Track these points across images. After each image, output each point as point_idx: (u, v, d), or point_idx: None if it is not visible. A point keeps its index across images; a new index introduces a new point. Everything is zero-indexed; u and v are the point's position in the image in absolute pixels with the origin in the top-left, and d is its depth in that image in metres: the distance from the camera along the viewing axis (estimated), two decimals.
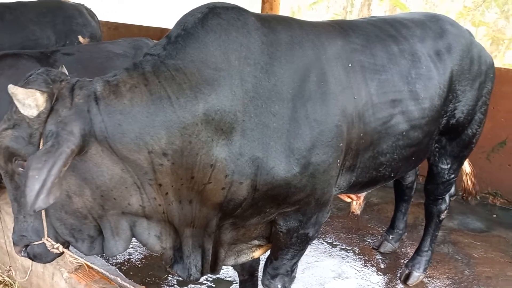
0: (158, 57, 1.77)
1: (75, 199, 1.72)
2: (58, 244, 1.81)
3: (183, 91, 1.70)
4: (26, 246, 1.85)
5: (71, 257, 1.87)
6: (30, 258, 1.89)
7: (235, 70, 1.78)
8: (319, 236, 3.91)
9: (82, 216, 1.78)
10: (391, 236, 3.74)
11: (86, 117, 1.60)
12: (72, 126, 1.58)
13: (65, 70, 1.96)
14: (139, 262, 3.39)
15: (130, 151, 1.65)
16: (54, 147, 1.52)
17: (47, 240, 1.79)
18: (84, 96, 1.64)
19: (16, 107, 1.60)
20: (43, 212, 1.76)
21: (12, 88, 1.54)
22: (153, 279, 3.17)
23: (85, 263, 1.94)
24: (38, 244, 1.82)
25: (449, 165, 2.91)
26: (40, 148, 1.58)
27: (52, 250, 1.82)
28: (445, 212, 3.22)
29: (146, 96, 1.67)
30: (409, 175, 3.49)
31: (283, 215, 2.09)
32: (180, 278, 3.16)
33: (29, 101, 1.56)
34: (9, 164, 1.69)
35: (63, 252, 1.88)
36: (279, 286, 2.33)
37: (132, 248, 3.55)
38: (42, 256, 1.90)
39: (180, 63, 1.75)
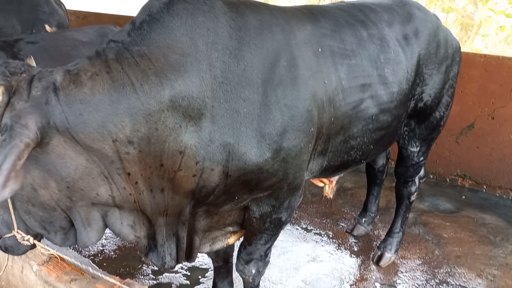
0: (122, 44, 1.72)
1: (40, 192, 1.68)
2: (29, 236, 1.80)
3: (148, 77, 1.66)
4: None
5: (43, 248, 1.84)
6: (2, 250, 1.88)
7: (202, 55, 1.75)
8: (293, 221, 3.96)
9: (50, 208, 1.74)
10: (363, 219, 3.81)
11: (43, 110, 1.56)
12: (27, 119, 1.52)
13: (32, 62, 1.90)
14: (112, 253, 3.35)
15: (94, 141, 1.61)
16: (6, 141, 1.47)
17: (17, 232, 1.78)
18: (42, 88, 1.59)
19: None
20: (10, 205, 1.72)
21: None
22: (127, 269, 3.15)
23: (56, 255, 1.91)
24: (9, 236, 1.81)
25: (418, 148, 2.97)
26: None
27: (23, 242, 1.80)
28: (415, 194, 3.30)
29: (108, 83, 1.63)
30: (380, 158, 3.55)
31: (256, 201, 2.09)
32: (155, 268, 3.16)
33: None
34: None
35: (35, 245, 1.85)
36: (253, 271, 2.35)
37: (106, 239, 3.50)
38: (14, 248, 1.89)
39: (145, 49, 1.70)
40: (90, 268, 1.96)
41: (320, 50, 2.14)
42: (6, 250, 1.88)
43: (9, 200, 1.69)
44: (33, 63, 1.89)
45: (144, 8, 1.82)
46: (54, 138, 1.59)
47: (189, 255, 2.19)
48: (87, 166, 1.67)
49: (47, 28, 4.59)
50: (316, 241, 3.70)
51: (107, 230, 3.38)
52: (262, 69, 1.89)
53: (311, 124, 2.03)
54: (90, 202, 1.77)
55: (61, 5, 4.88)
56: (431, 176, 5.05)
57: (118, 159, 1.68)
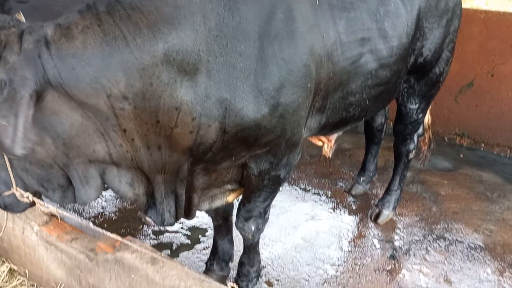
0: None
1: (37, 149, 1.67)
2: (28, 194, 1.80)
3: (140, 31, 1.62)
4: None
5: (42, 206, 1.84)
6: (1, 208, 1.90)
7: (196, 8, 1.70)
8: (292, 182, 3.98)
9: (47, 166, 1.74)
10: (362, 179, 3.83)
11: (37, 63, 1.53)
12: (24, 71, 1.51)
13: (21, 17, 1.84)
14: (113, 215, 3.38)
15: (88, 96, 1.58)
16: (11, 94, 1.46)
17: (16, 190, 1.78)
18: (34, 41, 1.55)
19: None
20: (7, 163, 1.71)
21: None
22: (128, 230, 3.18)
23: (56, 212, 1.92)
24: (8, 194, 1.82)
25: (417, 105, 2.95)
26: None
27: (22, 199, 1.81)
28: (413, 151, 3.30)
29: (100, 37, 1.58)
30: (379, 117, 3.53)
31: (254, 158, 2.08)
32: (156, 228, 3.19)
33: None
34: None
35: (34, 203, 1.85)
36: (253, 228, 2.37)
37: (106, 201, 3.53)
38: (13, 206, 1.91)
39: (137, 1, 1.65)
40: (90, 224, 1.96)
41: (318, 2, 2.07)
42: (5, 208, 1.90)
43: (6, 158, 1.68)
44: (22, 19, 1.83)
45: None
46: (48, 94, 1.57)
47: (188, 213, 2.20)
48: (82, 123, 1.65)
49: None
50: (315, 201, 3.73)
51: (107, 193, 3.40)
52: (258, 22, 1.83)
53: (309, 79, 1.99)
54: (87, 159, 1.76)
55: None
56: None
57: (113, 116, 1.65)
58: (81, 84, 1.56)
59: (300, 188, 3.93)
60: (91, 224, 1.89)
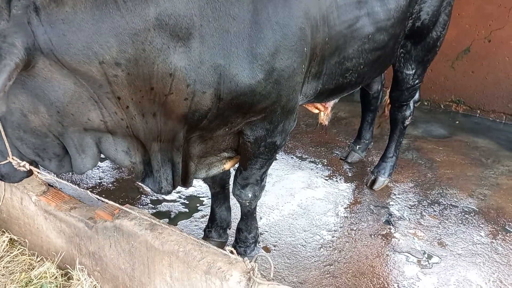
0: None
1: (31, 117, 1.66)
2: (24, 162, 1.79)
3: None
4: None
5: (40, 174, 1.84)
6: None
7: None
8: (288, 151, 3.99)
9: (42, 135, 1.73)
10: (358, 146, 3.84)
11: (27, 30, 1.49)
12: (13, 38, 1.46)
13: None
14: (110, 185, 3.39)
15: (80, 63, 1.56)
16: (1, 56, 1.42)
17: (12, 159, 1.77)
18: (23, 6, 1.50)
19: None
20: (2, 132, 1.69)
21: None
22: (126, 200, 3.20)
23: (55, 180, 1.92)
24: (4, 163, 1.81)
25: (413, 71, 2.93)
26: None
27: (19, 168, 1.79)
28: (410, 118, 3.30)
29: (90, 1, 1.54)
30: (375, 84, 3.51)
31: (249, 125, 2.08)
32: (154, 198, 3.22)
33: None
34: None
35: (31, 172, 1.85)
36: (250, 195, 2.38)
37: (103, 172, 3.53)
38: (10, 175, 1.90)
39: None
40: (89, 192, 1.97)
41: None
42: (2, 177, 1.89)
43: (0, 127, 1.66)
44: None
45: None
46: (39, 61, 1.53)
47: (185, 181, 2.21)
48: (76, 90, 1.63)
49: None
50: (311, 169, 3.75)
51: (105, 163, 3.40)
52: None
53: (304, 43, 1.96)
54: (82, 127, 1.74)
55: None
56: (426, 103, 5.05)
57: (107, 83, 1.63)
58: (72, 51, 1.53)
59: (297, 156, 3.95)
60: (89, 193, 1.89)
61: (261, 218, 3.02)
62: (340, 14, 2.11)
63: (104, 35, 1.55)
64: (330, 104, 3.00)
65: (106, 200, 1.87)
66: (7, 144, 1.73)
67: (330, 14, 2.07)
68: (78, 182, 3.36)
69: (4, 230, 2.61)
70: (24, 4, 1.51)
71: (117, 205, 1.89)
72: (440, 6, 2.66)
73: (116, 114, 1.74)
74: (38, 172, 1.83)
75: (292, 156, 3.94)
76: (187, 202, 3.22)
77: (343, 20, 2.12)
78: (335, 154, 4.00)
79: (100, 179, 3.45)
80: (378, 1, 2.25)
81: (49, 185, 2.43)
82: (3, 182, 2.29)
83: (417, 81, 3.03)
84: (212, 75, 1.77)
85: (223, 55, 1.75)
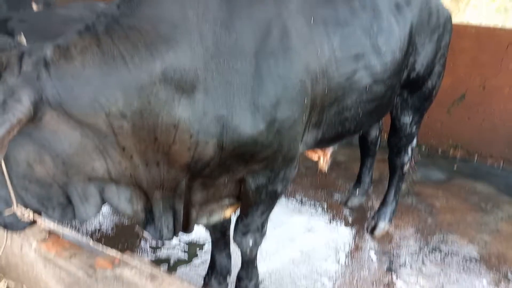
0: (112, 18, 1.71)
1: (37, 168, 1.68)
2: (29, 211, 1.79)
3: (138, 50, 1.65)
4: None
5: (42, 224, 1.85)
6: (1, 226, 1.89)
7: (193, 26, 1.73)
8: (288, 194, 4.00)
9: (47, 185, 1.74)
10: (357, 191, 3.86)
11: (36, 85, 1.55)
12: (20, 94, 1.52)
13: (23, 39, 1.88)
14: (110, 231, 3.38)
15: (87, 115, 1.61)
16: (7, 109, 1.47)
17: (17, 208, 1.77)
18: (33, 63, 1.58)
19: None
20: (8, 181, 1.70)
21: None
22: (126, 245, 3.18)
23: (55, 228, 1.92)
24: (8, 214, 1.80)
25: (410, 118, 3.00)
26: None
27: (23, 218, 1.80)
28: (408, 163, 3.34)
29: (98, 56, 1.61)
30: (373, 130, 3.58)
31: (251, 173, 2.11)
32: (153, 243, 3.20)
33: None
34: None
35: (35, 221, 1.85)
36: (251, 243, 2.38)
37: (103, 217, 3.53)
38: (13, 225, 1.89)
39: (135, 21, 1.69)
40: (90, 242, 1.97)
41: (312, 19, 2.12)
42: (5, 226, 1.89)
43: (6, 176, 1.69)
44: (24, 41, 1.87)
45: None
46: (47, 114, 1.58)
47: (186, 227, 2.21)
48: (81, 141, 1.66)
49: (34, 6, 4.51)
50: (311, 213, 3.75)
51: (105, 208, 3.39)
52: (254, 40, 1.87)
53: (305, 95, 2.03)
54: (86, 177, 1.77)
55: None
56: (423, 148, 5.11)
57: (112, 133, 1.67)
58: (80, 104, 1.59)
59: (296, 200, 3.95)
60: (90, 241, 1.89)
61: (261, 264, 3.00)
62: (338, 66, 2.19)
63: (111, 88, 1.61)
64: (329, 150, 3.05)
65: (107, 249, 1.87)
66: (12, 194, 1.74)
67: (329, 67, 2.14)
68: (78, 227, 3.35)
69: (2, 275, 2.58)
70: (35, 60, 1.58)
71: (117, 253, 1.89)
72: (434, 58, 2.76)
73: (120, 164, 1.78)
74: (41, 222, 1.84)
75: (292, 200, 3.95)
76: (187, 248, 3.20)
77: (342, 72, 2.20)
78: (335, 198, 4.01)
79: (100, 224, 3.44)
80: (375, 54, 2.33)
81: (49, 231, 2.42)
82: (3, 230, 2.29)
83: (414, 128, 3.09)
84: (215, 126, 1.81)
85: (226, 106, 1.81)
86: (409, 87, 2.81)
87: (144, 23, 1.69)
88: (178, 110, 1.74)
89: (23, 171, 1.69)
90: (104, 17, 1.73)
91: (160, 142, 1.77)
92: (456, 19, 3.68)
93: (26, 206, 1.81)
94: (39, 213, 1.88)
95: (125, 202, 1.93)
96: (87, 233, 3.32)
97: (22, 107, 1.50)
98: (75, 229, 3.28)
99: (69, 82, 1.58)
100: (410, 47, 2.58)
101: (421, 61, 2.70)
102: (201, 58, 1.74)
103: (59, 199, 1.82)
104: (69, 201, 1.84)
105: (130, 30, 1.67)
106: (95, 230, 3.37)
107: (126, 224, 3.45)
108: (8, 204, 1.78)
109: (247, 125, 1.86)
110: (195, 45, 1.73)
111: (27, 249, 2.35)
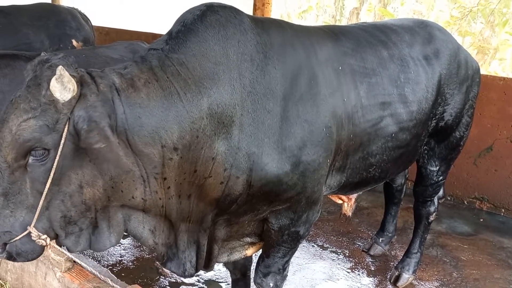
0: (162, 51, 1.83)
1: (86, 190, 1.71)
2: (45, 236, 1.70)
3: (189, 87, 1.78)
4: (5, 244, 1.72)
5: (62, 253, 1.83)
6: (9, 258, 1.75)
7: (233, 65, 1.85)
8: (309, 239, 3.96)
9: (86, 208, 1.74)
10: (381, 239, 3.79)
11: (112, 106, 1.65)
12: (102, 111, 1.62)
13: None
14: (130, 264, 3.39)
15: (146, 145, 1.70)
16: (92, 126, 1.59)
17: (33, 229, 1.67)
18: (108, 85, 1.68)
19: (48, 91, 1.56)
20: (40, 202, 1.66)
21: (61, 70, 1.52)
22: (145, 280, 3.18)
23: (76, 261, 1.94)
24: (21, 239, 1.69)
25: (437, 167, 2.98)
26: (64, 133, 1.59)
27: (38, 241, 1.69)
28: (434, 214, 3.28)
29: (159, 91, 1.74)
30: (399, 178, 3.55)
31: (274, 213, 2.13)
32: (172, 280, 3.19)
33: (70, 85, 1.56)
34: (21, 160, 1.61)
35: (45, 247, 1.75)
36: (271, 285, 2.36)
37: (124, 250, 3.55)
38: (24, 253, 1.74)
39: (183, 57, 1.81)
40: (108, 280, 2.00)
41: (340, 68, 2.20)
42: (16, 256, 1.74)
43: (44, 193, 1.65)
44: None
45: (178, 20, 1.94)
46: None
47: (208, 264, 2.22)
48: (131, 169, 1.74)
49: (74, 43, 4.76)
50: (333, 259, 3.69)
51: (126, 240, 3.43)
52: (284, 84, 1.96)
53: (330, 140, 2.07)
54: (122, 203, 1.81)
55: (87, 20, 5.06)
56: (449, 198, 5.01)
57: (161, 165, 1.76)
58: (143, 133, 1.69)
59: (318, 245, 3.90)
60: (109, 280, 1.90)
61: None
62: (364, 113, 2.23)
63: (170, 122, 1.73)
64: (354, 195, 3.04)
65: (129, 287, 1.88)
66: (37, 214, 1.66)
67: (355, 113, 2.20)
68: (99, 259, 3.38)
69: None
70: (107, 83, 1.69)
71: None
72: (463, 109, 2.78)
73: (156, 193, 1.83)
74: (58, 251, 1.80)
75: (313, 244, 3.90)
76: (206, 287, 3.18)
77: (368, 119, 2.25)
78: (357, 245, 3.93)
79: (121, 257, 3.46)
80: (401, 103, 2.38)
81: (74, 261, 2.46)
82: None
83: (441, 177, 3.07)
84: (246, 162, 1.88)
85: (257, 144, 1.88)
86: (437, 136, 2.82)
87: (191, 60, 1.82)
88: (218, 143, 1.83)
89: (71, 192, 1.69)
90: (155, 51, 1.86)
91: (198, 174, 1.85)
92: (483, 71, 3.71)
93: (47, 230, 1.72)
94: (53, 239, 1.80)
95: (149, 232, 1.95)
96: (107, 265, 3.34)
97: (108, 120, 1.61)
98: (96, 260, 3.31)
99: (137, 110, 1.69)
100: (439, 97, 2.61)
101: (449, 111, 2.72)
102: (239, 95, 1.85)
103: (82, 225, 1.77)
104: (87, 227, 1.80)
105: (180, 67, 1.80)
106: (116, 262, 3.39)
107: (146, 257, 3.46)
108: (25, 227, 1.69)
109: (274, 164, 1.92)
110: (234, 81, 1.85)
111: (51, 278, 2.39)
